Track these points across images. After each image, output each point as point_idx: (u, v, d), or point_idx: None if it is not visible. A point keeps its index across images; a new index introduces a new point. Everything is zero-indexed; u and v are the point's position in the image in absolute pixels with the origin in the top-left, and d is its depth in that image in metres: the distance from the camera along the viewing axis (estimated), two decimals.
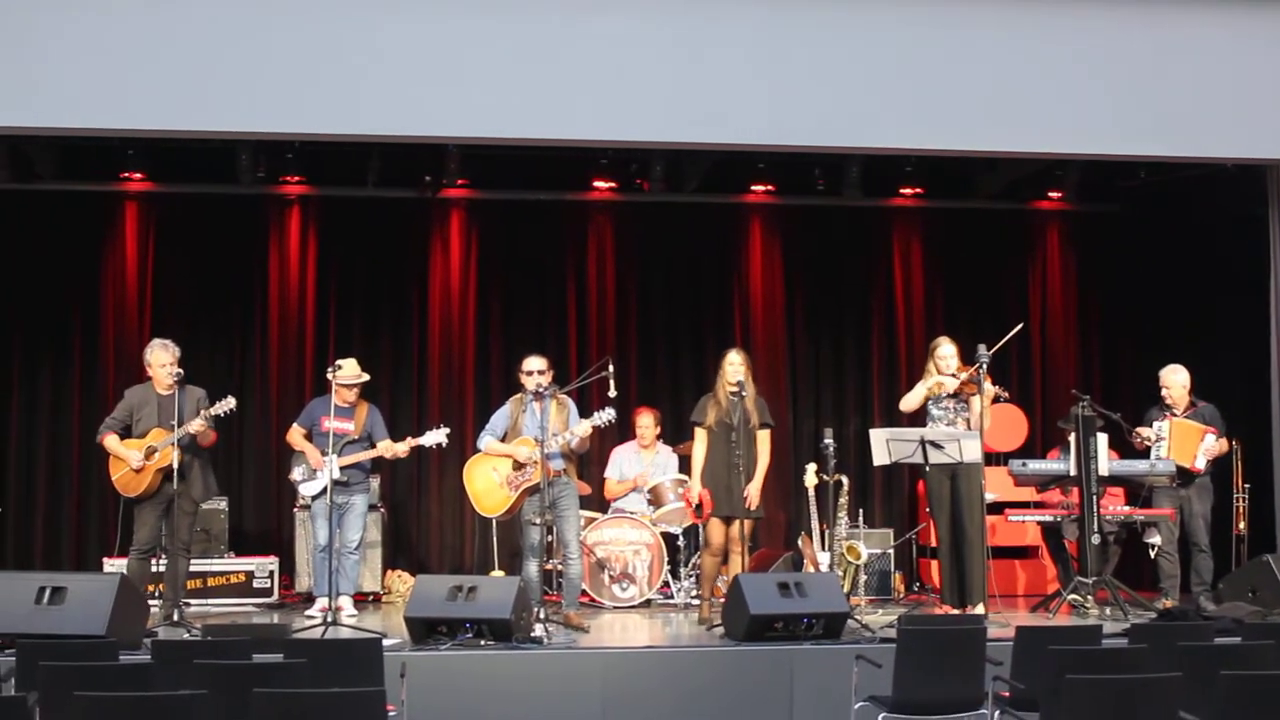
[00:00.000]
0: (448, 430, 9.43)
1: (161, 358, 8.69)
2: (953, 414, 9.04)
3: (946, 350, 9.09)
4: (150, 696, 5.15)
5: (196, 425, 8.54)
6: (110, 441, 8.71)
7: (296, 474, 9.42)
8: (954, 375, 8.98)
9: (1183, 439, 9.45)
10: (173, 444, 8.47)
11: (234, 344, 11.29)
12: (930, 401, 9.10)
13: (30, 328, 11.02)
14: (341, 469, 8.97)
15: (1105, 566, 9.42)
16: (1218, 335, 10.78)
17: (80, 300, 11.06)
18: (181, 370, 8.63)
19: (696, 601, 9.73)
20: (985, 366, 8.76)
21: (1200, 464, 9.43)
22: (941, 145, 9.24)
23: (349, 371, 9.21)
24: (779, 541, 11.06)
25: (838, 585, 8.46)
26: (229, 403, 8.66)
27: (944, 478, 8.93)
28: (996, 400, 9.06)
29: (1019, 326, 9.37)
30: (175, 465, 8.43)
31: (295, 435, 9.44)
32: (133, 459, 8.58)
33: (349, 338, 11.13)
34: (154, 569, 8.83)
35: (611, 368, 8.82)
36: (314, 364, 10.94)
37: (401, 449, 9.36)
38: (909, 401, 9.25)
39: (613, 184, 11.23)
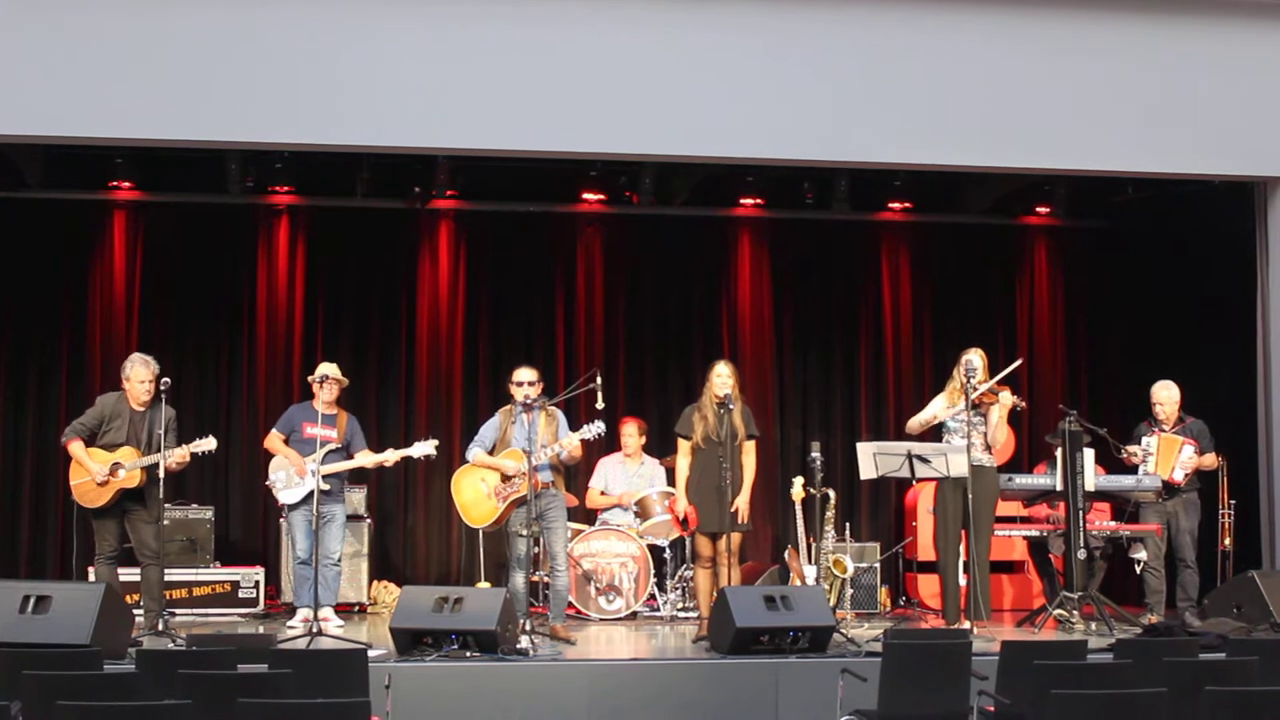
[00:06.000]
0: (436, 442, 9.40)
1: (141, 374, 8.60)
2: (968, 426, 9.01)
3: (974, 364, 9.00)
4: (134, 706, 5.14)
5: (176, 459, 8.50)
6: (76, 448, 8.59)
7: (277, 479, 9.29)
8: (974, 387, 8.93)
9: (1167, 453, 9.48)
10: (142, 468, 8.45)
11: (221, 354, 11.26)
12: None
13: (17, 336, 10.98)
14: (324, 477, 8.94)
15: (1091, 581, 9.43)
16: (1204, 350, 10.81)
17: (67, 309, 11.02)
18: (156, 387, 8.57)
19: (682, 614, 9.74)
20: (974, 378, 8.80)
21: (1178, 475, 9.44)
22: (930, 160, 9.28)
23: (327, 369, 9.18)
24: (765, 555, 11.06)
25: (824, 599, 8.46)
26: (209, 443, 8.64)
27: (955, 489, 8.94)
28: (1014, 410, 9.07)
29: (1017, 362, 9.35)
30: (138, 484, 8.46)
31: (274, 441, 9.35)
32: (96, 472, 8.48)
33: (337, 348, 11.10)
34: (121, 577, 8.79)
35: (599, 380, 8.81)
36: (301, 374, 10.87)
37: (389, 459, 9.33)
38: (914, 424, 9.23)
39: (602, 196, 11.24)
